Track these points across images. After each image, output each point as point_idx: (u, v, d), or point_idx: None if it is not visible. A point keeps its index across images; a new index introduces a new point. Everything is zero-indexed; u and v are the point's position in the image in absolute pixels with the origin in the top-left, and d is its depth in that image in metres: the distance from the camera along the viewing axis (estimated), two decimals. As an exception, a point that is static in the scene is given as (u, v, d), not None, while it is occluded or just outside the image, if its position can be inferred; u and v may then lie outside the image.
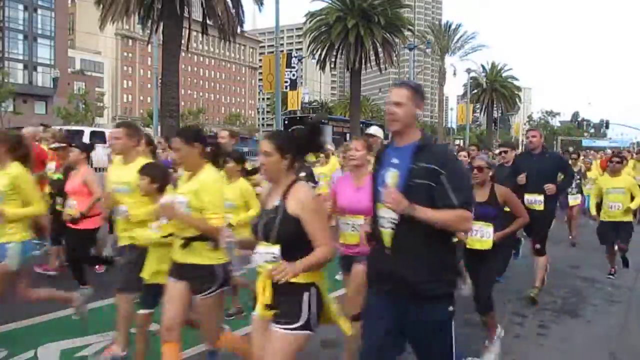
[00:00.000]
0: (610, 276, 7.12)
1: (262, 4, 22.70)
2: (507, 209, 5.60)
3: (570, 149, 16.90)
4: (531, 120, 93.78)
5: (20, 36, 57.38)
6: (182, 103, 41.44)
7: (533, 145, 6.19)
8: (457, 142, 55.54)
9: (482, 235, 4.39)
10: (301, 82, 52.93)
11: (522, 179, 6.04)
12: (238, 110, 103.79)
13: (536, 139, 6.22)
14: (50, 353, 4.10)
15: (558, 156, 6.56)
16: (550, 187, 5.92)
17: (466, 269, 4.63)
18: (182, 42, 20.96)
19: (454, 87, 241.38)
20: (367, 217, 3.14)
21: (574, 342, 4.81)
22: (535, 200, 6.00)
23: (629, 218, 7.19)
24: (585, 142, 66.80)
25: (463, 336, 4.82)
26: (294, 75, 34.72)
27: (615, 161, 7.28)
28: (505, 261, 6.25)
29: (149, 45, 27.35)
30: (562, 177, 6.42)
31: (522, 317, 5.40)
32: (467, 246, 4.47)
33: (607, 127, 64.28)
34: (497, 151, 7.98)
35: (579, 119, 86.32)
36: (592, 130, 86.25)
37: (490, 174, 4.42)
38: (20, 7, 56.76)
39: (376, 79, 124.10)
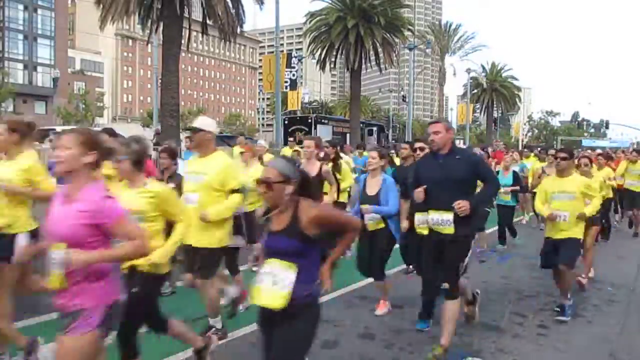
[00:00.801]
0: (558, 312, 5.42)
1: (262, 3, 22.69)
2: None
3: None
4: (531, 120, 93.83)
5: (20, 36, 57.39)
6: (182, 103, 41.47)
7: (436, 145, 4.39)
8: (457, 142, 55.45)
9: (275, 283, 2.71)
10: (301, 82, 52.98)
11: (419, 194, 4.38)
12: (238, 110, 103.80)
13: (439, 137, 4.34)
14: (50, 353, 4.09)
15: (471, 157, 4.58)
16: (461, 206, 4.12)
17: (263, 334, 2.93)
18: (182, 42, 20.96)
19: (454, 87, 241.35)
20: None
21: (574, 342, 4.81)
22: (442, 221, 4.27)
23: (575, 233, 5.37)
24: (585, 142, 66.85)
25: (463, 336, 4.83)
26: (294, 75, 34.73)
27: (560, 157, 5.42)
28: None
29: (149, 45, 27.37)
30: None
31: (522, 317, 5.40)
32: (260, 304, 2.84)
33: (607, 127, 64.45)
34: (416, 146, 7.06)
35: (579, 119, 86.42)
36: (592, 130, 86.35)
37: (290, 190, 2.78)
38: (20, 7, 56.79)
39: (376, 79, 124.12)
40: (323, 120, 33.80)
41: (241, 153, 7.16)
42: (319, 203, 2.92)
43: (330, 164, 7.28)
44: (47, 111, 55.20)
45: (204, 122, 4.51)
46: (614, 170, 10.53)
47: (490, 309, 5.62)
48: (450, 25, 53.98)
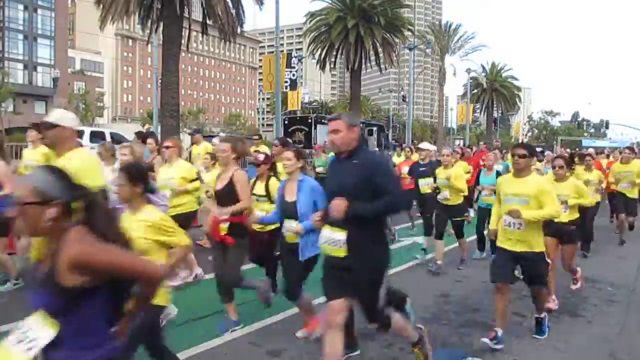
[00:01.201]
0: (490, 342, 4.52)
1: (262, 3, 22.70)
2: None
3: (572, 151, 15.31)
4: (531, 120, 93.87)
5: (20, 36, 57.39)
6: (182, 103, 41.50)
7: (335, 147, 3.55)
8: (457, 142, 55.65)
9: (21, 340, 1.90)
10: (301, 82, 52.97)
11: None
12: (238, 110, 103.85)
13: (339, 136, 3.46)
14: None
15: (371, 161, 3.49)
16: (334, 205, 3.30)
17: None
18: (182, 42, 20.96)
19: (454, 87, 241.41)
20: None
21: (574, 342, 4.81)
22: (332, 240, 3.43)
23: (535, 246, 4.55)
24: (585, 142, 66.84)
25: (464, 336, 4.83)
26: (294, 75, 34.72)
27: (518, 154, 4.61)
28: None
29: (149, 45, 27.38)
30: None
31: (522, 317, 5.39)
32: None
33: (607, 127, 64.45)
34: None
35: (579, 119, 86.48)
36: (592, 130, 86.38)
37: (53, 214, 1.91)
38: (20, 7, 56.79)
39: (376, 79, 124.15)
40: (323, 120, 33.80)
41: (166, 147, 6.39)
42: (104, 237, 1.95)
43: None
44: (47, 111, 55.07)
45: (62, 116, 3.75)
46: (604, 173, 9.75)
47: (490, 309, 5.62)
48: (450, 25, 53.81)
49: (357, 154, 3.48)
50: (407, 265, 7.77)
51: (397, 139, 42.15)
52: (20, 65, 57.15)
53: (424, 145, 8.85)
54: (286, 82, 32.81)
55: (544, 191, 4.51)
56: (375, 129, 37.60)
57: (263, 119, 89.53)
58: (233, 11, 22.09)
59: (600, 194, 8.79)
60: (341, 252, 3.37)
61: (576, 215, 5.86)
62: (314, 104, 71.85)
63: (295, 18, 61.25)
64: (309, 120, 31.02)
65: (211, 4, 21.04)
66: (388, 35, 33.15)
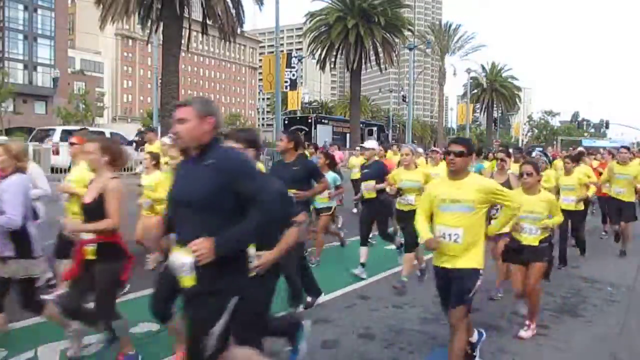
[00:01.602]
0: None
1: (262, 3, 22.74)
2: None
3: (545, 151, 13.76)
4: (531, 120, 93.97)
5: (20, 36, 57.37)
6: (182, 103, 41.47)
7: (180, 142, 2.69)
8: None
9: None
10: (301, 82, 53.00)
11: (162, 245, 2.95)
12: (238, 110, 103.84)
13: (185, 128, 2.63)
14: (50, 353, 4.10)
15: (232, 161, 2.64)
16: (198, 248, 2.46)
17: None
18: (182, 42, 21.01)
19: (454, 87, 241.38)
20: None
21: (574, 342, 4.80)
22: (179, 265, 2.59)
23: (473, 262, 3.65)
24: (585, 142, 66.87)
25: (463, 336, 4.82)
26: (294, 75, 34.78)
27: (455, 152, 3.70)
28: None
29: (149, 45, 27.41)
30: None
31: (521, 317, 5.39)
32: None
33: (607, 127, 64.37)
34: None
35: (579, 119, 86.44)
36: (592, 130, 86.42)
37: None
38: (20, 7, 56.77)
39: (376, 79, 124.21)
40: (323, 120, 33.90)
41: (71, 144, 5.17)
42: None
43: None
44: (47, 111, 55.22)
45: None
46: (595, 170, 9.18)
47: (490, 309, 5.62)
48: (450, 26, 53.93)
49: (211, 151, 2.62)
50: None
51: (397, 139, 42.19)
52: (20, 65, 57.14)
53: (368, 143, 7.42)
54: (286, 82, 32.86)
55: (490, 190, 3.71)
56: (375, 129, 37.68)
57: (263, 119, 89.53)
58: (233, 11, 22.14)
59: (583, 201, 7.76)
60: (189, 281, 2.55)
61: (547, 233, 4.89)
62: (314, 104, 71.88)
63: (295, 18, 61.30)
64: (309, 120, 31.08)
65: (211, 4, 21.07)
66: (388, 35, 33.21)
